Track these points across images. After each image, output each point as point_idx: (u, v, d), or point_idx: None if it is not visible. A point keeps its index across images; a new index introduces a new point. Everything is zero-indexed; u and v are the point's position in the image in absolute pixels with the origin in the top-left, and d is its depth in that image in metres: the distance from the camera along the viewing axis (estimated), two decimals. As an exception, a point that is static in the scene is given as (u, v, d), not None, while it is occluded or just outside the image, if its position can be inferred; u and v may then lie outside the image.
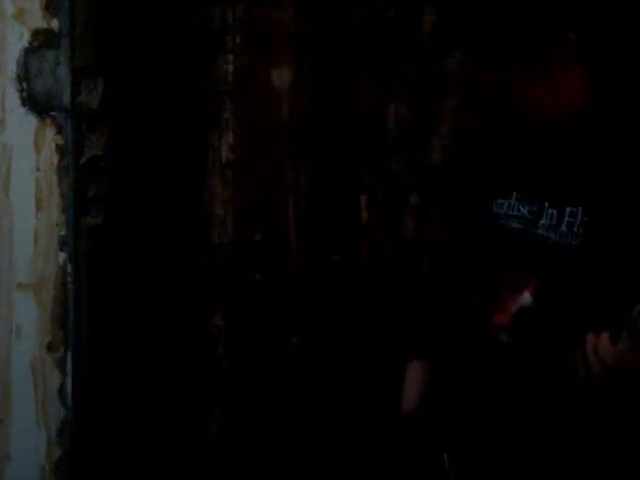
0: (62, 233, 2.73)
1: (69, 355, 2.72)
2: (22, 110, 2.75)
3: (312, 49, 2.79)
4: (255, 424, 2.77)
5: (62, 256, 2.73)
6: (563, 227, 1.57)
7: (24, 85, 2.76)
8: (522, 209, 1.64)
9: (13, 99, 2.76)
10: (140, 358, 2.67)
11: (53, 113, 2.73)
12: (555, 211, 1.59)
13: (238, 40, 2.74)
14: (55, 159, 2.73)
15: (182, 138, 2.72)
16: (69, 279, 2.71)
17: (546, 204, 1.63)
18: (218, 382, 2.77)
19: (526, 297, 1.61)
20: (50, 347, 2.74)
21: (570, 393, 1.54)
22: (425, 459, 1.70)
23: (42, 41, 2.74)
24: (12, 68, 2.76)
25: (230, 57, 2.74)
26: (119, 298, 2.68)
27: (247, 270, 2.74)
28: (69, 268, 2.71)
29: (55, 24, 2.72)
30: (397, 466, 1.80)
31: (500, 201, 1.69)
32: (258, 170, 2.75)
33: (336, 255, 2.96)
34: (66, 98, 2.70)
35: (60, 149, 2.72)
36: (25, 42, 2.75)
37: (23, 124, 2.75)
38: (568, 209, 1.58)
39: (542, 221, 1.62)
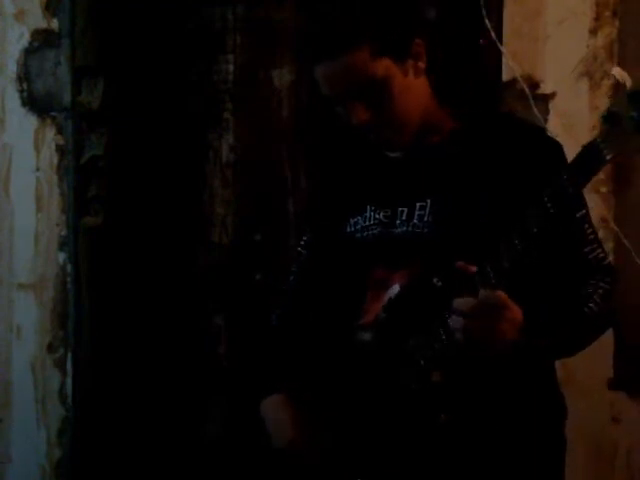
0: (62, 233, 2.74)
1: (69, 355, 2.73)
2: (22, 110, 2.76)
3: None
4: (255, 424, 2.77)
5: (62, 256, 2.73)
6: (415, 220, 1.75)
7: (24, 85, 2.76)
8: (378, 216, 1.80)
9: (13, 99, 2.77)
10: (140, 358, 2.67)
11: (53, 113, 2.73)
12: (406, 209, 1.76)
13: (238, 40, 2.74)
14: (55, 159, 2.74)
15: (182, 138, 2.73)
16: (69, 279, 2.72)
17: (397, 205, 1.77)
18: (218, 382, 2.77)
19: (394, 289, 1.72)
20: (50, 347, 2.75)
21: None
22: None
23: (42, 41, 2.74)
24: (12, 68, 2.76)
25: (230, 57, 2.74)
26: (119, 298, 2.68)
27: (247, 270, 2.74)
28: (69, 268, 2.72)
29: (55, 24, 2.72)
30: None
31: (354, 220, 1.82)
32: (258, 170, 2.75)
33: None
34: (66, 98, 2.70)
35: (60, 149, 2.73)
36: (25, 42, 2.75)
37: (23, 124, 2.76)
38: (418, 204, 1.75)
39: (397, 221, 1.77)
